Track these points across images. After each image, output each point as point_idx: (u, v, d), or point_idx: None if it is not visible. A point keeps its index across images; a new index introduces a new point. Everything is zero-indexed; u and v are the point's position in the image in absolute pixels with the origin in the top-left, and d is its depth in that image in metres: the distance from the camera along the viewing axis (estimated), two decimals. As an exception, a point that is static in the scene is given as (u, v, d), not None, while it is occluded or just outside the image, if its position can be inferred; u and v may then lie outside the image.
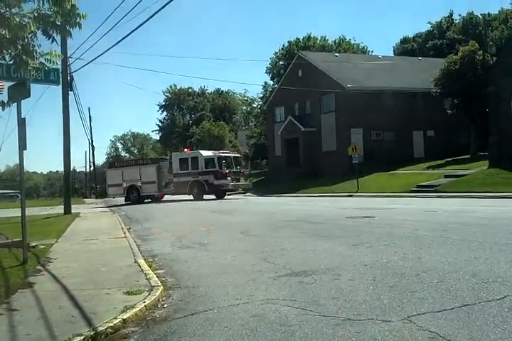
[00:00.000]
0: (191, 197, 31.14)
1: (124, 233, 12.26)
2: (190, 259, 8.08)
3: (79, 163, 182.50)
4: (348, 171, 33.60)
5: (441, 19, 63.23)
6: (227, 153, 33.31)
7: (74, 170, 76.08)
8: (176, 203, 28.78)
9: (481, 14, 58.62)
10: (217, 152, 32.16)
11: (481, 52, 34.46)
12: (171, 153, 34.97)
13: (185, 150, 36.34)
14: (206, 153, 32.08)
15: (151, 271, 6.93)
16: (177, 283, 6.39)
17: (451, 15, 63.34)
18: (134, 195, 33.55)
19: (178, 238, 10.87)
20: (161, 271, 7.22)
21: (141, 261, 7.76)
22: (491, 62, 32.90)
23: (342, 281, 5.77)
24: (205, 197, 31.01)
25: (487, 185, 23.79)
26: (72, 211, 21.66)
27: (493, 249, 7.30)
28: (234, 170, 30.93)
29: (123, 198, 33.92)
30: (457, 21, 61.88)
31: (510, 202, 18.04)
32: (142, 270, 7.02)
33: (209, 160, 30.63)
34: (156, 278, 6.41)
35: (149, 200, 33.69)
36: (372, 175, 33.95)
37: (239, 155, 35.18)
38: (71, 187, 25.93)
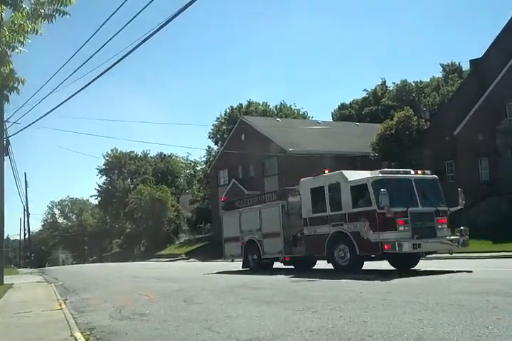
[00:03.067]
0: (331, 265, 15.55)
1: (60, 305, 11.62)
2: (130, 331, 7.69)
3: (12, 230, 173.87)
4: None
5: (376, 87, 66.71)
6: (400, 173, 15.27)
7: (8, 238, 72.74)
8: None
9: (413, 82, 62.42)
10: (376, 172, 15.09)
11: (416, 117, 36.51)
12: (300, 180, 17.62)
13: (326, 171, 16.33)
14: (354, 175, 15.48)
15: (87, 346, 6.54)
16: (116, 357, 6.04)
17: (384, 82, 66.87)
18: (254, 258, 19.52)
19: (118, 308, 10.37)
20: (99, 345, 6.83)
21: (78, 335, 7.32)
22: (425, 126, 34.82)
23: (288, 349, 5.62)
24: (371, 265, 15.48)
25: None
26: (5, 282, 20.46)
27: (436, 309, 7.35)
28: (418, 208, 14.06)
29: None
30: (391, 88, 65.40)
31: (449, 263, 18.48)
32: (78, 344, 6.61)
33: (360, 190, 14.61)
34: (93, 353, 6.04)
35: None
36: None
37: (431, 175, 15.49)
38: (4, 256, 24.61)
